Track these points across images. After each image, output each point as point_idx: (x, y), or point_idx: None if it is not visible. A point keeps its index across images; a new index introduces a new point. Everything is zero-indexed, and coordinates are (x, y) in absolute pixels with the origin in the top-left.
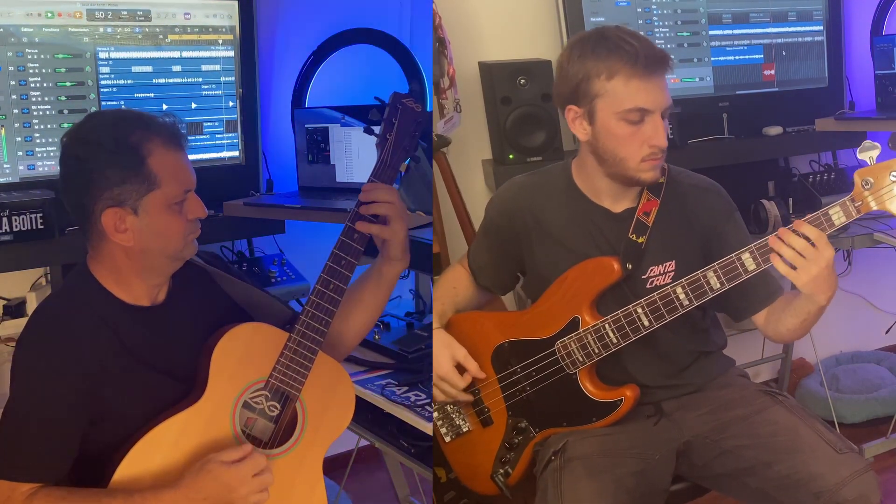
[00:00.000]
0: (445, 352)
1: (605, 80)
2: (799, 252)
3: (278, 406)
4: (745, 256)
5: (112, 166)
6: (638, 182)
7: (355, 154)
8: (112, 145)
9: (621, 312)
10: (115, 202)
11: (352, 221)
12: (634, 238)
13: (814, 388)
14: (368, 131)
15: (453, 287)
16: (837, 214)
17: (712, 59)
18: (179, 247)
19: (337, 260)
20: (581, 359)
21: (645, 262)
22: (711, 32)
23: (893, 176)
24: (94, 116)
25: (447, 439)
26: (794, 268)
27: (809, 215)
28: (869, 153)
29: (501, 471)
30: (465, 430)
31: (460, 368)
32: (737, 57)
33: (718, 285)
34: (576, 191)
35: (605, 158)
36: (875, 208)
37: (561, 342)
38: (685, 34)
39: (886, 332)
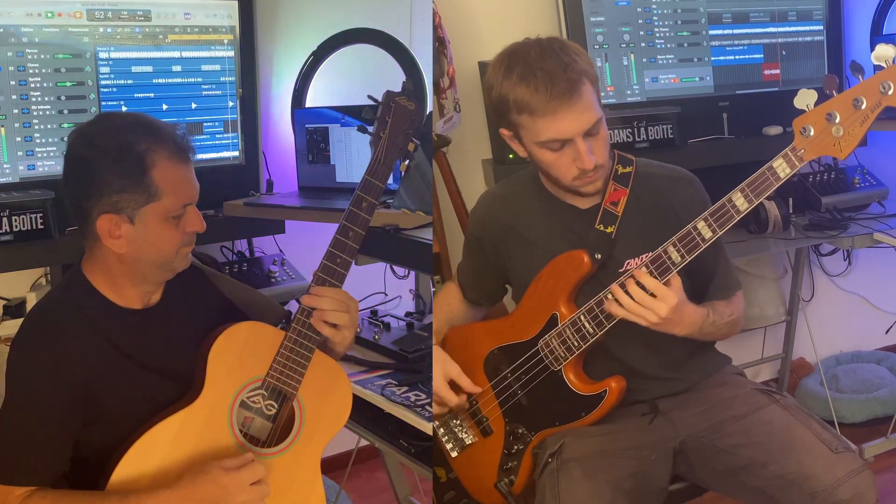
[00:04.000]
0: (439, 369)
1: (517, 113)
2: (638, 301)
3: (275, 405)
4: (701, 225)
5: (113, 173)
6: (581, 194)
7: (355, 154)
8: (116, 152)
9: (593, 301)
10: (112, 208)
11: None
12: (602, 228)
13: (814, 387)
14: (362, 130)
15: (447, 304)
16: (782, 167)
17: (712, 58)
18: (171, 258)
19: (332, 258)
20: (563, 354)
21: (620, 254)
22: (711, 32)
23: (829, 117)
24: (105, 119)
25: (454, 454)
26: (634, 313)
27: (752, 177)
28: (806, 101)
29: (505, 480)
30: (468, 442)
31: (455, 385)
32: (737, 57)
33: (679, 259)
34: (545, 192)
35: (545, 174)
36: (816, 155)
37: (543, 340)
38: (685, 34)
39: (886, 332)
